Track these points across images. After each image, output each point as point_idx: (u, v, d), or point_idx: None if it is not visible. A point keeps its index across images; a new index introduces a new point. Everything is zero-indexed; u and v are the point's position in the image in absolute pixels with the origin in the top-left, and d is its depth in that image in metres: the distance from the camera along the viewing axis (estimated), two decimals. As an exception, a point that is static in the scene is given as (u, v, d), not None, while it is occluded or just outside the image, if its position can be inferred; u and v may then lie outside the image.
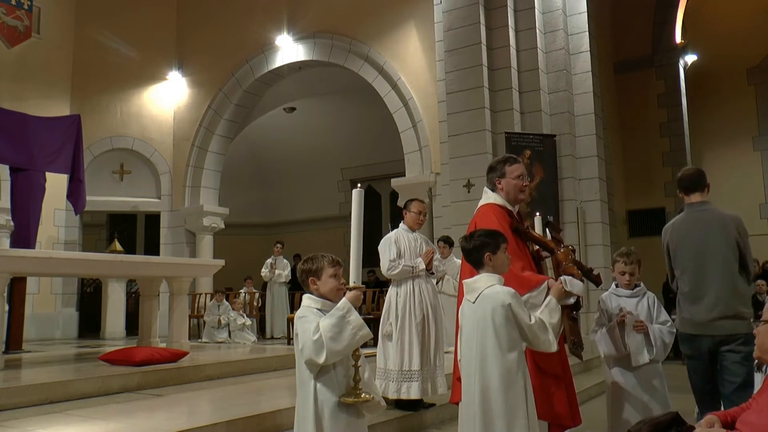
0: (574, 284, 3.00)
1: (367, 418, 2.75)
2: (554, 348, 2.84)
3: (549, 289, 3.09)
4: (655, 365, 3.75)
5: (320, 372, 2.60)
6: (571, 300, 3.04)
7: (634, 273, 3.87)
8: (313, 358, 2.54)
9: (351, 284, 2.67)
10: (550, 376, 3.18)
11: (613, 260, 3.99)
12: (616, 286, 3.95)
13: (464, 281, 2.99)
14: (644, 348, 3.71)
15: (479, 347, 2.82)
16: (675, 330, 3.78)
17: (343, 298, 2.63)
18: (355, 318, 2.57)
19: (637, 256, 3.91)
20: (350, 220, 2.87)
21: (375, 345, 4.98)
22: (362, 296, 2.72)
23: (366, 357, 2.79)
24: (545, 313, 2.86)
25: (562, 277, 3.02)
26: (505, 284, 2.93)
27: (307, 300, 2.70)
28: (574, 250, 3.44)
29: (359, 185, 2.80)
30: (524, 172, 3.61)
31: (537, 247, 3.65)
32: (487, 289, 2.85)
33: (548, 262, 3.72)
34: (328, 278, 2.70)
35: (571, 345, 3.18)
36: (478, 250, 2.91)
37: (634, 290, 3.88)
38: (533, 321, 2.80)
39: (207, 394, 5.23)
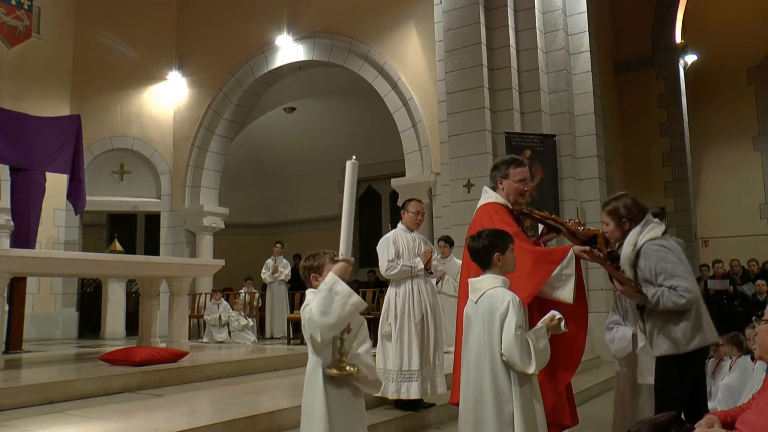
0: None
1: (364, 398, 2.79)
2: (530, 370, 2.72)
3: (575, 255, 3.13)
4: None
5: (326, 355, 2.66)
6: (564, 327, 2.93)
7: None
8: (314, 336, 2.59)
9: (340, 256, 2.68)
10: (548, 376, 3.18)
11: None
12: None
13: (469, 280, 2.98)
14: (653, 369, 3.70)
15: (477, 349, 2.81)
16: None
17: (330, 272, 2.65)
18: (342, 287, 2.58)
19: None
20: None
21: (375, 345, 4.98)
22: (350, 268, 2.71)
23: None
24: (531, 335, 2.79)
25: (558, 316, 2.91)
26: (533, 263, 2.92)
27: (311, 294, 2.73)
28: (580, 220, 3.47)
29: (354, 157, 2.78)
30: (527, 177, 3.61)
31: (536, 238, 3.67)
32: (490, 290, 2.84)
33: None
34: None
35: (632, 287, 3.14)
36: (488, 250, 2.89)
37: None
38: (519, 333, 2.72)
39: (207, 394, 5.23)
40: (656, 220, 3.33)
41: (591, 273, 8.37)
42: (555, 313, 2.90)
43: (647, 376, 3.68)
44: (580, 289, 3.25)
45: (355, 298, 2.58)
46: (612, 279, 3.30)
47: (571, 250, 3.21)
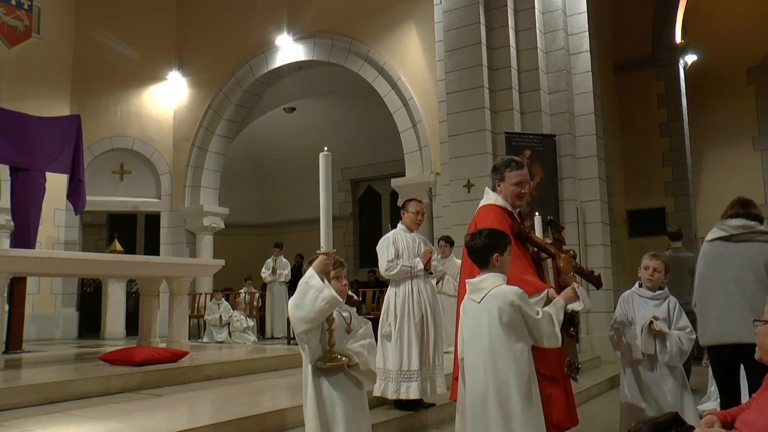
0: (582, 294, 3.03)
1: (365, 390, 2.84)
2: (559, 342, 2.87)
3: (548, 298, 3.08)
4: (672, 369, 3.74)
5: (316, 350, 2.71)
6: (579, 305, 3.01)
7: (659, 270, 3.85)
8: (295, 331, 2.67)
9: (321, 249, 2.69)
10: (548, 377, 3.17)
11: (642, 260, 4.00)
12: (639, 285, 3.94)
13: (468, 281, 2.97)
14: (652, 345, 3.71)
15: (488, 346, 2.82)
16: (694, 336, 3.77)
17: (310, 267, 2.69)
18: (316, 282, 2.60)
19: (665, 258, 3.94)
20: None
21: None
22: (331, 261, 2.73)
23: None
24: (552, 309, 2.90)
25: (574, 285, 3.02)
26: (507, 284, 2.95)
27: None
28: (574, 256, 3.43)
29: (326, 149, 2.80)
30: (525, 179, 3.55)
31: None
32: (495, 288, 2.85)
33: (548, 263, 3.73)
34: (330, 279, 2.76)
35: (566, 367, 3.12)
36: (487, 249, 2.90)
37: (656, 293, 3.86)
38: (540, 315, 2.84)
39: (207, 394, 5.23)
40: (727, 223, 3.70)
41: (591, 273, 8.36)
42: (573, 285, 3.00)
43: (646, 351, 3.72)
44: None
45: (327, 292, 2.58)
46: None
47: (546, 291, 3.13)
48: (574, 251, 3.52)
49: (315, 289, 2.58)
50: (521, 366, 2.79)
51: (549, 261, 3.68)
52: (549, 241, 3.57)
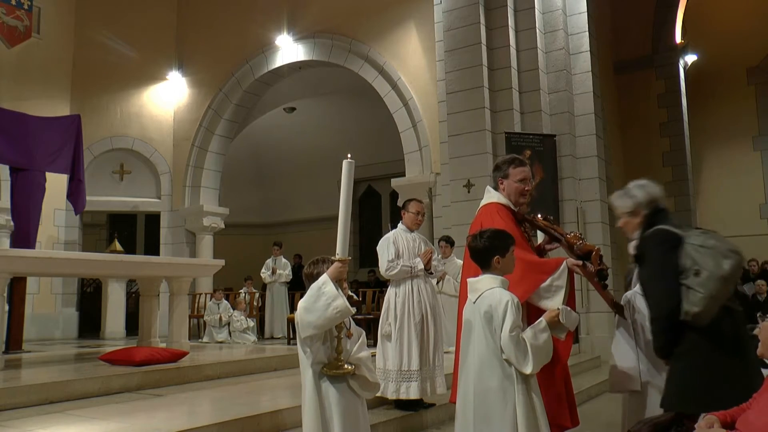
0: (570, 317, 2.87)
1: (363, 398, 2.83)
2: (527, 370, 2.70)
3: (568, 269, 3.17)
4: None
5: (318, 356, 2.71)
6: (562, 336, 2.95)
7: None
8: (298, 331, 2.67)
9: (336, 256, 2.69)
10: (550, 377, 3.17)
11: None
12: None
13: (468, 280, 2.98)
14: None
15: (477, 349, 2.81)
16: None
17: (324, 272, 2.70)
18: (330, 289, 2.60)
19: None
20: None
21: (374, 345, 4.98)
22: (346, 268, 2.73)
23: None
24: (528, 333, 2.76)
25: (560, 307, 2.92)
26: (524, 272, 2.93)
27: None
28: (581, 234, 3.48)
29: (349, 156, 2.79)
30: (528, 176, 3.59)
31: (539, 242, 3.67)
32: (488, 291, 2.84)
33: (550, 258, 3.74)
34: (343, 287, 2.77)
35: (614, 309, 3.51)
36: (488, 251, 2.88)
37: None
38: (514, 334, 2.71)
39: (207, 394, 5.23)
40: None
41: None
42: (560, 308, 2.91)
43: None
44: (570, 300, 3.26)
45: (340, 301, 2.58)
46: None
47: (565, 262, 3.20)
48: (580, 232, 3.60)
49: (328, 296, 2.57)
50: (507, 369, 2.73)
51: (550, 256, 3.70)
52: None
